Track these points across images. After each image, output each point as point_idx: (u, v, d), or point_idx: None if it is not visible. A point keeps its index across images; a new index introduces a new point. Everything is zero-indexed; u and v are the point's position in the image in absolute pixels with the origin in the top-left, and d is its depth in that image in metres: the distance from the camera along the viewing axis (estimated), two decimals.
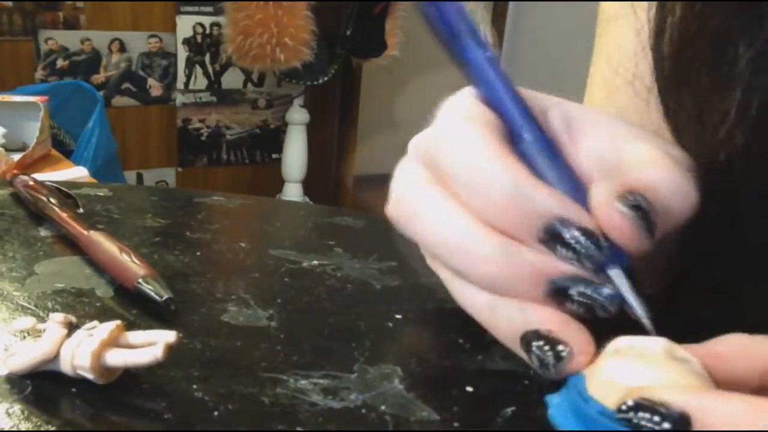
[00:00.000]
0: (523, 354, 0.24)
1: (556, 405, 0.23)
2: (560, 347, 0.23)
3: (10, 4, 2.13)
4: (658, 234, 0.23)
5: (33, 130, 1.27)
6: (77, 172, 1.11)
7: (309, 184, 2.60)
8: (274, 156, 2.65)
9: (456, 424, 0.23)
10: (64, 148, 1.73)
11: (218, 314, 0.29)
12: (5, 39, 2.15)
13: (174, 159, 2.50)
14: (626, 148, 0.25)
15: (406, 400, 0.24)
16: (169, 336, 0.24)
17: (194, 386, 0.24)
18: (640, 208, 0.23)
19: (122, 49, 2.29)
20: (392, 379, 0.25)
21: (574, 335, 0.23)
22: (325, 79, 2.39)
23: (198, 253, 0.35)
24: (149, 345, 0.23)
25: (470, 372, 0.26)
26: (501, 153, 0.24)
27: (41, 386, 0.23)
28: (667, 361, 0.21)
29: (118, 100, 2.35)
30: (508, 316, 0.24)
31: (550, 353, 0.23)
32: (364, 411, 0.23)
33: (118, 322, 0.24)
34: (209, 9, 2.40)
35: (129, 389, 0.24)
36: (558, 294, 0.23)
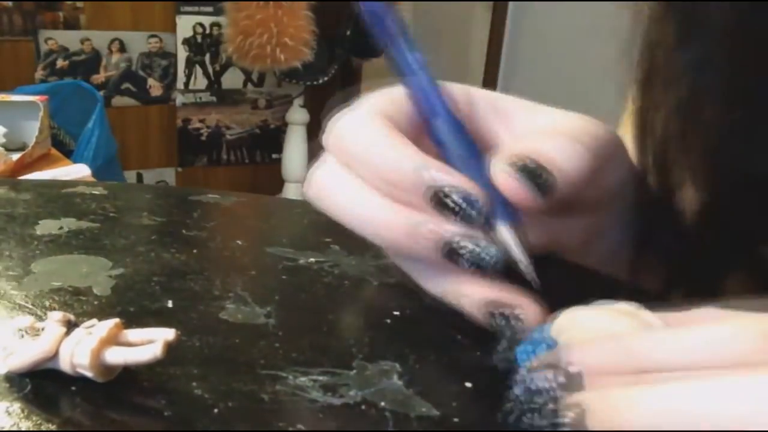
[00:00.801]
0: (484, 323, 0.27)
1: (521, 350, 0.25)
2: (517, 311, 0.26)
3: (10, 4, 2.13)
4: (556, 189, 0.26)
5: (33, 130, 1.27)
6: (78, 170, 1.11)
7: None
8: (274, 156, 2.65)
9: (455, 420, 0.23)
10: (64, 148, 1.73)
11: (216, 312, 0.29)
12: (5, 39, 2.15)
13: (174, 159, 2.51)
14: (534, 122, 0.29)
15: (406, 397, 0.24)
16: (169, 334, 0.24)
17: (193, 384, 0.24)
18: (526, 168, 0.26)
19: (122, 49, 2.29)
20: (391, 375, 0.25)
21: (522, 300, 0.26)
22: (325, 79, 2.39)
23: (195, 251, 0.35)
24: (148, 342, 0.23)
25: (469, 368, 0.26)
26: (385, 131, 0.27)
27: (41, 385, 0.23)
28: (627, 316, 0.23)
29: (118, 100, 2.35)
30: (458, 290, 0.27)
31: (512, 323, 0.26)
32: (363, 407, 0.23)
33: (117, 320, 0.24)
34: (209, 9, 2.40)
35: (129, 387, 0.23)
36: (452, 254, 0.26)
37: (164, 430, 0.22)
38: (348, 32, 2.37)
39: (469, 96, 0.30)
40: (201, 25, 2.42)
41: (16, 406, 0.22)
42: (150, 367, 0.24)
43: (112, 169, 1.89)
